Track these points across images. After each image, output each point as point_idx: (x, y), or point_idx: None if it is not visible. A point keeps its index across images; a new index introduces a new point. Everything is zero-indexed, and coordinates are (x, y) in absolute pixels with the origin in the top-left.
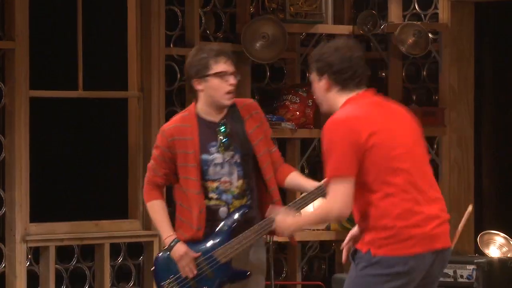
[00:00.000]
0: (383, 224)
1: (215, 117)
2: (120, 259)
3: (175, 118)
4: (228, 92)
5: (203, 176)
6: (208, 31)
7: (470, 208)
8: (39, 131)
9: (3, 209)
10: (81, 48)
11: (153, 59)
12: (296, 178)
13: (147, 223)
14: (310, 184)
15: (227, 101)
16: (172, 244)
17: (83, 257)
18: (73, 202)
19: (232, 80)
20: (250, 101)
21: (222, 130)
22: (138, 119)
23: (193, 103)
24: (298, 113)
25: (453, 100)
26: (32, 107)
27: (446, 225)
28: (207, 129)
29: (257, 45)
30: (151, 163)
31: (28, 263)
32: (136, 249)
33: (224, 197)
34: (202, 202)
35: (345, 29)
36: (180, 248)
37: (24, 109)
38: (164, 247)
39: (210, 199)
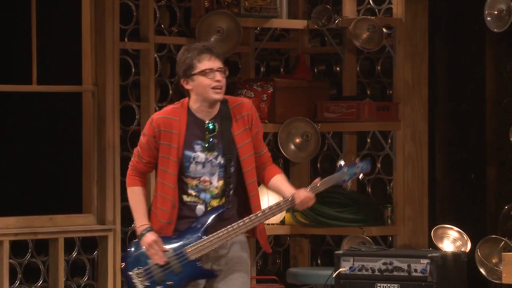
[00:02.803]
0: None
1: (205, 115)
2: (74, 254)
3: (166, 109)
4: (215, 87)
5: (184, 171)
6: (162, 25)
7: None
8: None
9: None
10: (35, 42)
11: (108, 53)
12: (278, 183)
13: (102, 217)
14: (289, 191)
15: (216, 95)
16: (143, 233)
17: (37, 252)
18: (27, 196)
19: (218, 76)
20: (243, 100)
21: (210, 128)
22: (92, 113)
23: (186, 98)
24: None
25: (407, 95)
26: None
27: None
28: (195, 126)
29: (212, 39)
30: (137, 149)
31: None
32: (91, 243)
33: (202, 195)
34: (175, 197)
35: (300, 23)
36: (149, 237)
37: None
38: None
39: (189, 195)
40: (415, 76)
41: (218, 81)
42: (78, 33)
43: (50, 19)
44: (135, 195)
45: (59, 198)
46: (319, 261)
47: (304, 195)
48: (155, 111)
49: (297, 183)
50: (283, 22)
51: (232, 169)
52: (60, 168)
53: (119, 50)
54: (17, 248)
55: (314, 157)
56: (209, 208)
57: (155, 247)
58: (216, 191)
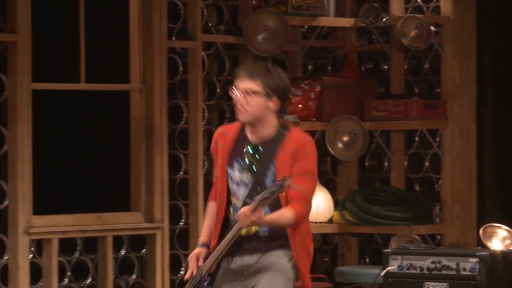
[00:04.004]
0: None
1: (252, 136)
2: (122, 252)
3: (226, 124)
4: (237, 108)
5: (229, 188)
6: (210, 24)
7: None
8: (41, 123)
9: (6, 202)
10: (83, 41)
11: (155, 51)
12: None
13: (150, 215)
14: None
15: (238, 116)
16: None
17: (85, 250)
18: (76, 194)
19: (238, 97)
20: (302, 136)
21: (249, 151)
22: (140, 111)
23: None
24: (300, 105)
25: (455, 93)
26: (34, 100)
27: None
28: (240, 144)
29: (259, 37)
30: None
31: (31, 255)
32: (139, 241)
33: (236, 215)
34: (220, 211)
35: (347, 21)
36: (193, 251)
37: (27, 101)
38: None
39: (231, 212)
40: (463, 74)
41: (236, 100)
42: (126, 32)
43: (98, 18)
44: (207, 209)
45: (107, 196)
46: (367, 260)
47: (241, 211)
48: (203, 109)
49: (345, 181)
50: (331, 20)
51: None
52: (108, 166)
53: (166, 49)
54: (66, 246)
55: (361, 156)
56: (244, 229)
57: (190, 262)
58: None
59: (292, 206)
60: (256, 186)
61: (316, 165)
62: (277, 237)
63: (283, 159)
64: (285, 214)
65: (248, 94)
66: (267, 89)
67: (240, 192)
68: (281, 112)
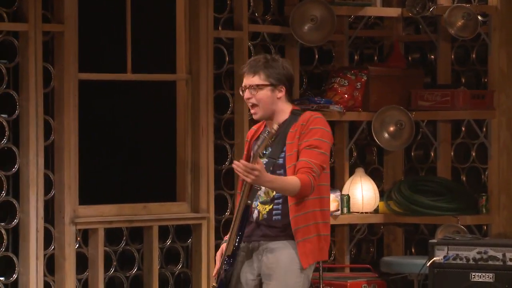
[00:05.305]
0: None
1: (271, 126)
2: (168, 242)
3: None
4: (250, 107)
5: None
6: (256, 14)
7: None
8: (87, 113)
9: (53, 191)
10: (130, 31)
11: (202, 41)
12: None
13: (195, 205)
14: None
15: (253, 115)
16: None
17: (131, 239)
18: (122, 184)
19: (245, 94)
20: (310, 114)
21: (264, 137)
22: (187, 101)
23: None
24: (346, 95)
25: (502, 83)
26: (80, 90)
27: None
28: (262, 135)
29: (306, 27)
30: None
31: (77, 245)
32: (185, 231)
33: (255, 202)
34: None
35: (394, 11)
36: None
37: (73, 91)
38: None
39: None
40: (510, 64)
41: (246, 99)
42: (173, 22)
43: (144, 8)
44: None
45: (153, 186)
46: (413, 250)
47: (238, 165)
48: None
49: (391, 172)
50: (377, 10)
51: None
52: (154, 156)
53: (213, 39)
54: (112, 235)
55: (408, 146)
56: (260, 214)
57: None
58: (264, 197)
59: (298, 176)
60: (269, 166)
61: (325, 142)
62: (287, 224)
63: (291, 136)
64: (291, 179)
65: (254, 89)
66: (270, 79)
67: None
68: (326, 102)
